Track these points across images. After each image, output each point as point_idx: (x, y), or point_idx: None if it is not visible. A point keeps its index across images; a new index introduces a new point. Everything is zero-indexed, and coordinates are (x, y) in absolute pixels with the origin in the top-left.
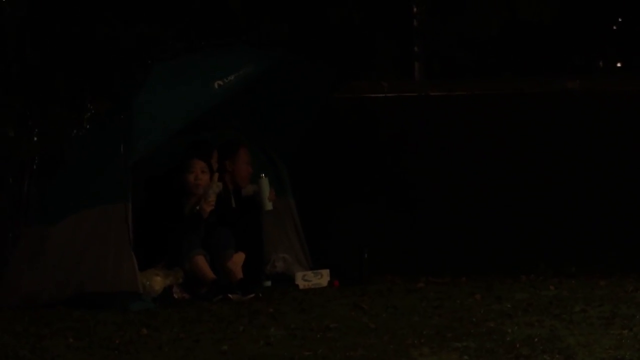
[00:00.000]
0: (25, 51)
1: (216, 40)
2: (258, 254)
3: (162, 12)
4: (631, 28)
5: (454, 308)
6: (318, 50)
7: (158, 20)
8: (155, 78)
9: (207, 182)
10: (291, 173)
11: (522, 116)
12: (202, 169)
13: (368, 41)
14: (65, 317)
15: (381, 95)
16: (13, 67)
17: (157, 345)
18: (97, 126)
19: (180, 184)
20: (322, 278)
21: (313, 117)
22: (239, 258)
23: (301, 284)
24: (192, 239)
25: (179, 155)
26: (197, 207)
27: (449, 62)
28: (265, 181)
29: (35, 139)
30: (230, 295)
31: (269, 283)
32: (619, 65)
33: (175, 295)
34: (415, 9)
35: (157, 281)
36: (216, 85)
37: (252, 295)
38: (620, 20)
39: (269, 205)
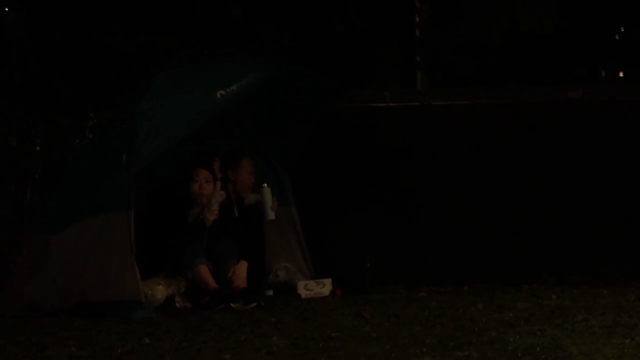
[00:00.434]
0: (27, 60)
1: (219, 50)
2: (260, 263)
3: (165, 21)
4: (633, 38)
5: (456, 317)
6: (321, 60)
7: (160, 30)
8: (158, 87)
9: (210, 192)
10: (293, 182)
11: (524, 126)
12: (206, 179)
13: (370, 50)
14: (68, 326)
15: (383, 104)
16: (16, 76)
17: (159, 354)
18: (100, 135)
19: (184, 193)
20: (324, 287)
21: (315, 126)
22: (241, 267)
23: (303, 293)
24: (195, 248)
25: (181, 164)
26: (201, 217)
27: (451, 72)
28: (267, 191)
29: (38, 148)
30: (232, 305)
31: (271, 292)
32: (620, 75)
33: (178, 305)
34: (417, 19)
35: (160, 290)
36: (218, 95)
37: (254, 305)
38: (622, 30)
39: (271, 215)
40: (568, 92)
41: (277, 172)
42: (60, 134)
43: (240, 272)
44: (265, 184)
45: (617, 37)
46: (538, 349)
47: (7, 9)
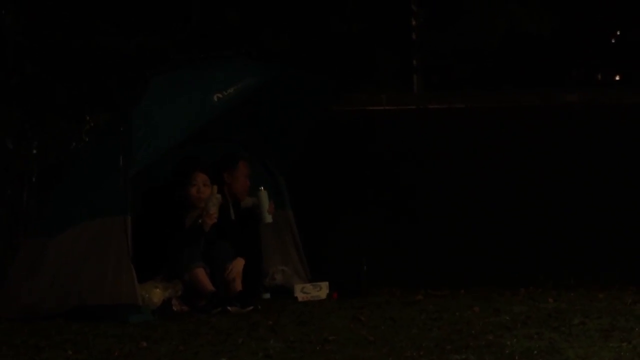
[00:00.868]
0: (24, 62)
1: (216, 52)
2: (257, 266)
3: (162, 24)
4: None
5: (452, 320)
6: (317, 62)
7: (157, 32)
8: (155, 90)
9: (208, 195)
10: (290, 185)
11: (521, 129)
12: (204, 182)
13: (367, 53)
14: (64, 330)
15: (380, 107)
16: (12, 79)
17: (156, 357)
18: (96, 138)
19: (181, 196)
20: (321, 290)
21: (312, 129)
22: (238, 263)
23: (300, 296)
24: (192, 252)
25: (173, 167)
26: (200, 220)
27: (448, 75)
28: (264, 194)
29: (34, 150)
30: (229, 308)
31: (267, 295)
32: (617, 78)
33: (175, 308)
34: (414, 22)
35: (156, 293)
36: (215, 98)
37: (251, 308)
38: (618, 33)
39: (268, 218)
40: (565, 95)
41: (274, 175)
42: (56, 137)
43: (237, 267)
44: (262, 187)
45: (613, 40)
46: (535, 352)
47: (3, 11)
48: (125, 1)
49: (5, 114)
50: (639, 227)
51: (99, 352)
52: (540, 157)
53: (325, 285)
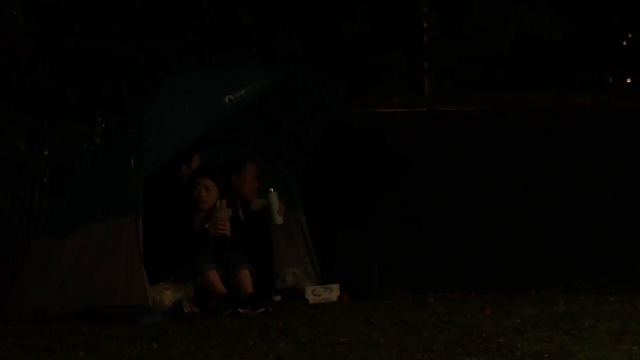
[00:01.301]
0: (36, 65)
1: (227, 55)
2: (268, 268)
3: (173, 26)
4: None
5: (464, 323)
6: (329, 65)
7: (169, 35)
8: (166, 92)
9: (213, 199)
10: (302, 187)
11: (532, 132)
12: (206, 187)
13: (379, 56)
14: (76, 331)
15: (391, 110)
16: (24, 82)
17: (167, 359)
18: (108, 140)
19: (188, 197)
20: (332, 293)
21: (323, 131)
22: (243, 274)
23: (311, 298)
24: (204, 254)
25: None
26: (207, 226)
27: (459, 78)
28: (274, 196)
29: (46, 153)
30: (240, 310)
31: (279, 298)
32: (629, 81)
33: (186, 310)
34: (425, 25)
35: (168, 295)
36: (227, 100)
37: (262, 310)
38: (630, 36)
39: (279, 220)
40: (576, 98)
41: (286, 177)
42: (68, 139)
43: (244, 279)
44: (272, 189)
45: (625, 43)
46: (546, 355)
47: (15, 13)
48: (137, 4)
49: (17, 116)
50: None
51: (110, 353)
52: (552, 160)
53: (336, 287)
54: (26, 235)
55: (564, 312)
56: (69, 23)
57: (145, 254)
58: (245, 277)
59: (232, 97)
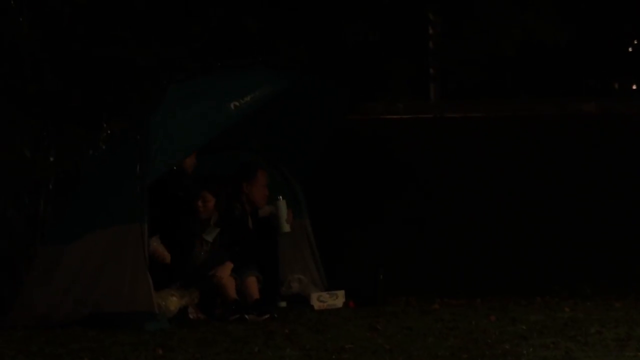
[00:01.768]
0: (42, 71)
1: (233, 61)
2: (274, 274)
3: (179, 32)
4: None
5: (469, 329)
6: (334, 71)
7: (174, 41)
8: (172, 98)
9: (210, 210)
10: (307, 194)
11: (537, 138)
12: (203, 197)
13: (384, 62)
14: (81, 337)
15: (397, 116)
16: (30, 87)
17: None
18: (113, 146)
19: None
20: (337, 299)
21: (329, 138)
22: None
23: (316, 304)
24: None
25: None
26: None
27: (465, 84)
28: (282, 203)
29: (52, 158)
30: (246, 316)
31: (284, 304)
32: (634, 87)
33: (191, 316)
34: (430, 31)
35: (173, 301)
36: (232, 106)
37: (267, 316)
38: (635, 42)
39: (286, 227)
40: (581, 105)
41: (291, 184)
42: (73, 145)
43: (225, 273)
44: (281, 197)
45: (630, 49)
46: None
47: (20, 20)
48: (143, 10)
49: (23, 122)
50: None
51: (115, 359)
52: (557, 166)
53: (341, 293)
54: (31, 240)
55: (569, 318)
56: (74, 28)
57: (150, 260)
58: (252, 284)
59: (237, 103)
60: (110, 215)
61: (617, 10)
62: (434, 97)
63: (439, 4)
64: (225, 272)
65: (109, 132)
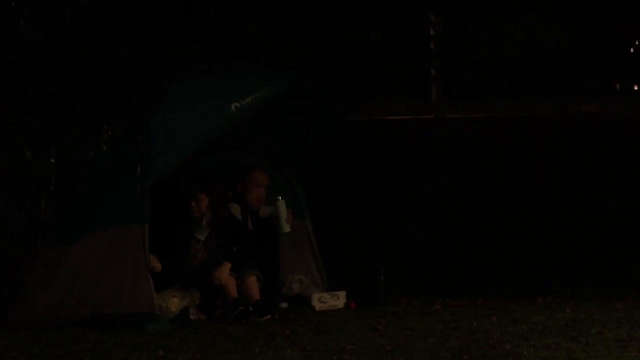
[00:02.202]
0: (42, 73)
1: (233, 62)
2: (274, 275)
3: (180, 34)
4: None
5: (470, 330)
6: (335, 72)
7: (175, 42)
8: (172, 99)
9: (203, 210)
10: (308, 194)
11: (538, 138)
12: (196, 197)
13: (385, 63)
14: (82, 338)
15: (398, 117)
16: (30, 88)
17: None
18: (114, 147)
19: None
20: (338, 300)
21: (330, 138)
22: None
23: (317, 305)
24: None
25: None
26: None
27: (466, 85)
28: (282, 203)
29: (52, 160)
30: (250, 308)
31: (285, 305)
32: (635, 88)
33: (192, 317)
34: (432, 32)
35: (174, 302)
36: (233, 107)
37: (268, 317)
38: (636, 43)
39: (286, 228)
40: (583, 105)
41: (292, 184)
42: (74, 146)
43: (224, 273)
44: (280, 197)
45: (631, 50)
46: None
47: (21, 21)
48: (144, 11)
49: (24, 122)
50: None
51: None
52: (558, 167)
53: (342, 294)
54: (32, 241)
55: (570, 318)
56: (75, 29)
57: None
58: (252, 284)
59: (238, 104)
60: (111, 216)
61: (618, 11)
62: (435, 98)
63: (440, 4)
64: (223, 273)
65: (109, 133)
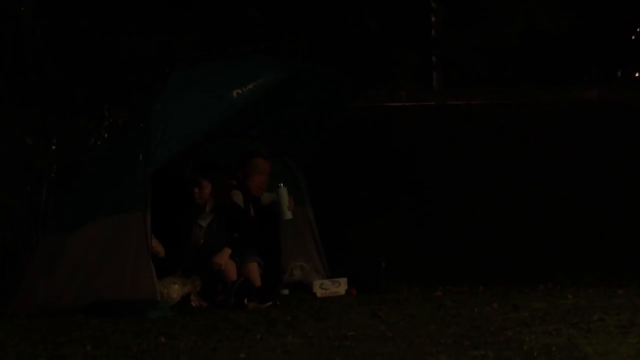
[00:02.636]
0: (43, 61)
1: (235, 49)
2: (276, 262)
3: (181, 21)
4: None
5: (471, 317)
6: (336, 60)
7: (176, 29)
8: (174, 87)
9: (205, 196)
10: (309, 181)
11: (539, 126)
12: (199, 184)
13: (386, 50)
14: (83, 325)
15: (399, 104)
16: (32, 77)
17: (175, 353)
18: (116, 135)
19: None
20: (339, 286)
21: (331, 126)
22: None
23: (319, 292)
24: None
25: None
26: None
27: (467, 72)
28: (284, 190)
29: (54, 147)
30: (247, 303)
31: (286, 291)
32: (637, 75)
33: (193, 304)
34: (433, 19)
35: (175, 289)
36: (235, 94)
37: (269, 304)
38: (638, 30)
39: (288, 215)
40: (584, 92)
41: (293, 171)
42: (76, 134)
43: (252, 271)
44: (282, 184)
45: (633, 37)
46: (553, 348)
47: (22, 9)
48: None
49: (25, 112)
50: None
51: (117, 347)
52: (559, 154)
53: (343, 281)
54: (33, 230)
55: (571, 305)
56: (77, 18)
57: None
58: (253, 270)
59: (239, 91)
60: (113, 204)
61: None
62: (437, 85)
63: None
64: (223, 259)
65: (110, 121)
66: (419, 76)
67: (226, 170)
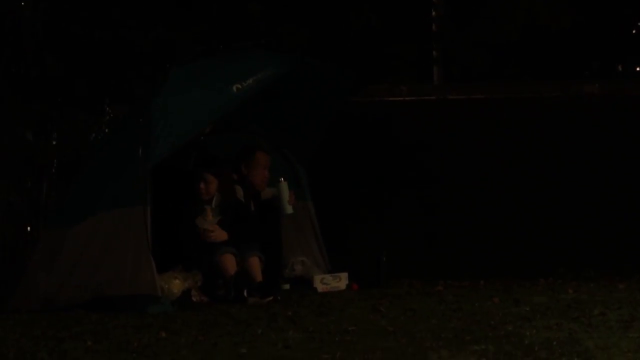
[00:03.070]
0: (44, 55)
1: (235, 44)
2: (277, 257)
3: (181, 16)
4: None
5: (472, 311)
6: (337, 55)
7: (177, 24)
8: (174, 81)
9: (211, 191)
10: (310, 176)
11: (540, 120)
12: (205, 179)
13: (387, 45)
14: (84, 321)
15: (400, 98)
16: (32, 71)
17: (176, 348)
18: (116, 129)
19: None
20: (340, 281)
21: (331, 120)
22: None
23: (320, 287)
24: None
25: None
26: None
27: (468, 66)
28: (284, 185)
29: (54, 142)
30: (248, 298)
31: (287, 286)
32: (638, 69)
33: (194, 298)
34: (434, 13)
35: (176, 284)
36: (235, 89)
37: (270, 298)
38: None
39: (289, 209)
40: (585, 87)
41: (294, 166)
42: (76, 129)
43: (253, 266)
44: (282, 179)
45: (634, 31)
46: (554, 343)
47: (22, 3)
48: None
49: (25, 106)
50: None
51: (118, 342)
52: (560, 148)
53: (344, 276)
54: (34, 225)
55: (572, 299)
56: (77, 13)
57: (153, 243)
58: (254, 265)
59: (239, 86)
60: (113, 199)
61: None
62: (437, 80)
63: None
64: (216, 231)
65: (111, 115)
66: (419, 71)
67: (229, 165)
